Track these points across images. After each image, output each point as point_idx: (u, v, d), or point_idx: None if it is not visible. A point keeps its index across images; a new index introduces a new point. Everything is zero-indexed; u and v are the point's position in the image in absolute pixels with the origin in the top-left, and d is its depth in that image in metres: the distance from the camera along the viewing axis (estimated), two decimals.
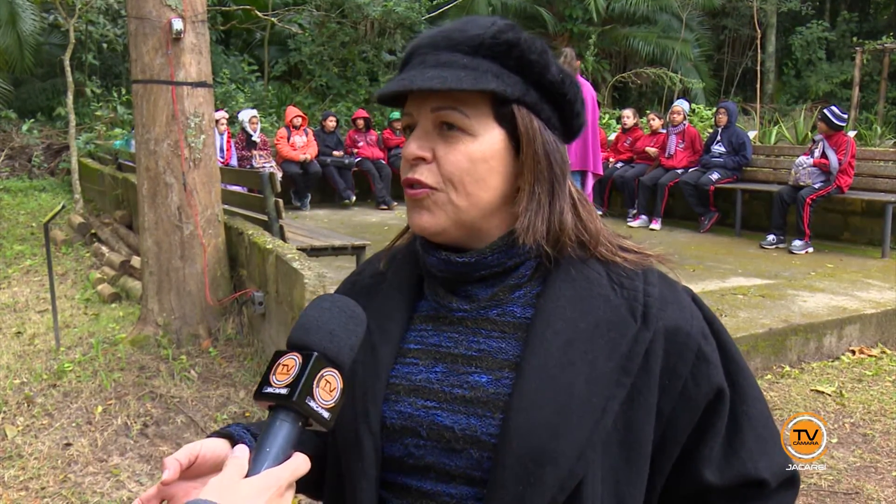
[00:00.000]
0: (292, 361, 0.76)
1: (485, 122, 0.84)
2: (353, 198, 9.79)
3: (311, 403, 0.74)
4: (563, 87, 0.87)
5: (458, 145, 0.84)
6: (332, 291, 1.02)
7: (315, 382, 0.74)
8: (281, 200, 5.13)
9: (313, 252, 5.12)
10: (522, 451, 0.78)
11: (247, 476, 0.71)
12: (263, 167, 8.79)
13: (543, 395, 0.79)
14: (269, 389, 0.75)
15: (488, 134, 0.85)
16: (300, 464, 0.73)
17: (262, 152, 9.23)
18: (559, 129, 0.89)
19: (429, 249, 0.90)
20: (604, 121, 11.27)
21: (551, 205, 0.86)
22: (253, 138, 9.20)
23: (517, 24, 0.87)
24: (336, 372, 0.77)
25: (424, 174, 0.85)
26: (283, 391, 0.74)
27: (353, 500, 0.86)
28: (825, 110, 6.93)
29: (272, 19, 11.72)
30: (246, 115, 9.36)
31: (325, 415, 0.75)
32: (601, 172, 6.07)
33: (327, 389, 0.75)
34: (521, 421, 0.78)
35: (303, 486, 0.82)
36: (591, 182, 5.79)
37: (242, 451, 0.74)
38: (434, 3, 12.73)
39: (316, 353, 0.76)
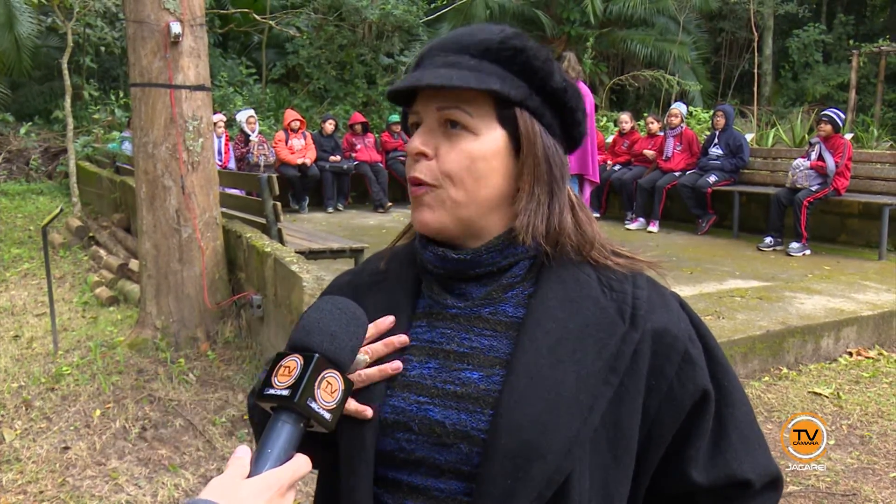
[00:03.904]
0: (294, 363, 0.76)
1: (487, 123, 0.87)
2: (341, 207, 9.86)
3: (313, 405, 0.74)
4: (566, 95, 0.89)
5: (460, 143, 0.87)
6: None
7: (316, 384, 0.75)
8: (279, 204, 5.13)
9: (312, 255, 5.12)
10: (511, 446, 0.79)
11: (248, 477, 0.71)
12: (260, 159, 8.90)
13: (533, 392, 0.81)
14: (271, 391, 0.76)
15: (490, 134, 0.87)
16: (301, 465, 0.74)
17: (260, 144, 9.25)
18: (560, 137, 0.91)
19: (426, 245, 0.91)
20: (601, 123, 11.27)
21: (550, 206, 0.89)
22: (251, 138, 9.26)
23: (525, 33, 0.90)
24: (337, 373, 0.77)
25: (423, 171, 0.87)
26: (285, 392, 0.74)
27: (348, 489, 0.87)
28: (830, 112, 6.92)
29: (270, 22, 11.72)
30: (243, 115, 9.44)
31: (327, 416, 0.75)
32: (597, 181, 6.06)
33: (328, 391, 0.76)
34: (510, 417, 0.80)
35: None
36: (588, 189, 5.78)
37: (244, 451, 0.74)
38: (432, 6, 12.75)
39: (317, 355, 0.76)
